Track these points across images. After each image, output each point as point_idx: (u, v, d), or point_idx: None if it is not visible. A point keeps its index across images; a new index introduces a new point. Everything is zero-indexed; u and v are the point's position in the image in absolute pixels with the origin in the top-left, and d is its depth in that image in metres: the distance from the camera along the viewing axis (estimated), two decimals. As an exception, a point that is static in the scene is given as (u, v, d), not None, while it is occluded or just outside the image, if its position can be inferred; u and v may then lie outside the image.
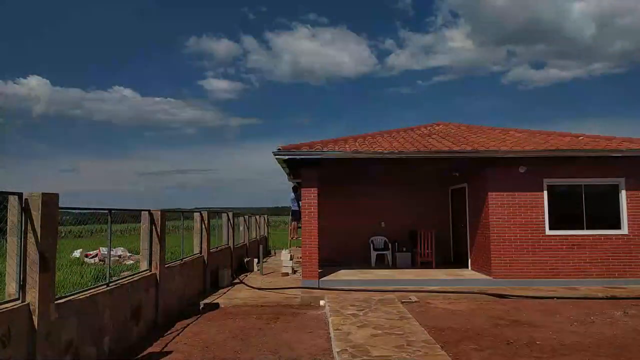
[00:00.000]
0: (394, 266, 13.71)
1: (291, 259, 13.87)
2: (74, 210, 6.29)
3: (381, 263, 14.11)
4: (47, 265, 4.48)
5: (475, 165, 11.65)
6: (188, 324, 7.83)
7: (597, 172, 11.14)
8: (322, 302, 9.23)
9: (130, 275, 7.23)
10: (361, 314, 7.83)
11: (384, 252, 14.28)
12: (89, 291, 5.66)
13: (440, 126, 14.46)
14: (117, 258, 16.55)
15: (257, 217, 22.00)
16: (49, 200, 4.54)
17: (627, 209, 11.01)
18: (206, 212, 11.34)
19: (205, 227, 11.09)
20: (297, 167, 11.85)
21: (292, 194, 15.99)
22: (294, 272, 13.43)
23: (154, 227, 7.86)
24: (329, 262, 13.18)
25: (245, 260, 15.35)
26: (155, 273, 7.75)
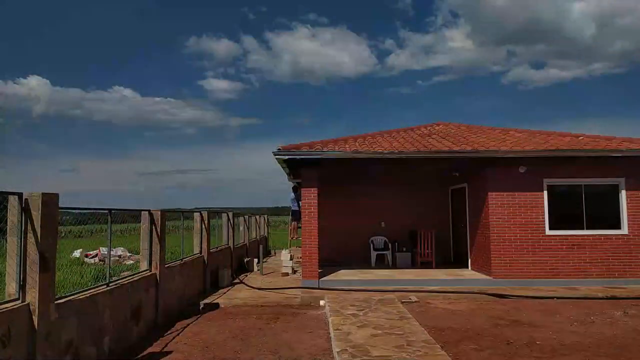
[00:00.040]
0: (394, 266, 13.70)
1: (291, 259, 13.87)
2: (74, 210, 6.29)
3: (381, 263, 14.11)
4: (47, 265, 4.48)
5: (475, 165, 11.65)
6: (188, 324, 7.83)
7: (597, 172, 11.14)
8: (322, 302, 9.23)
9: (130, 275, 7.23)
10: (361, 314, 7.83)
11: (384, 252, 14.28)
12: (89, 291, 5.66)
13: (440, 126, 14.46)
14: (117, 258, 16.55)
15: (257, 217, 21.99)
16: (49, 200, 4.54)
17: (627, 209, 11.00)
18: (206, 212, 11.34)
19: (205, 227, 11.09)
20: (297, 167, 11.85)
21: (292, 194, 15.99)
22: (294, 272, 13.43)
23: (154, 227, 7.86)
24: (329, 262, 13.18)
25: (245, 260, 15.35)
26: (155, 273, 7.75)
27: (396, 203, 14.91)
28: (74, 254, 16.67)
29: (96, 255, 16.78)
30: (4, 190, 4.33)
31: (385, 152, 10.61)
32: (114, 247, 16.32)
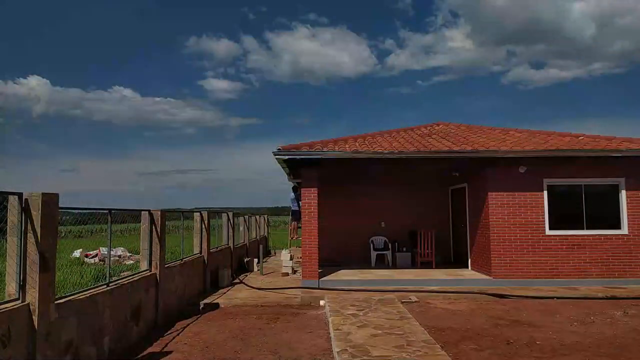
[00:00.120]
0: (394, 266, 13.70)
1: (291, 259, 13.86)
2: (74, 210, 6.29)
3: (381, 263, 14.11)
4: (47, 265, 4.48)
5: (475, 165, 11.65)
6: (188, 324, 7.83)
7: (597, 172, 11.13)
8: (322, 302, 9.23)
9: (130, 275, 7.23)
10: (361, 314, 7.83)
11: (384, 252, 14.27)
12: (89, 291, 5.66)
13: (440, 126, 14.46)
14: (117, 258, 16.53)
15: (257, 217, 21.99)
16: (49, 200, 4.54)
17: (627, 209, 11.00)
18: (206, 212, 11.34)
19: (205, 227, 11.09)
20: (297, 167, 11.85)
21: (292, 194, 15.99)
22: (294, 272, 13.43)
23: (154, 227, 7.86)
24: (329, 262, 13.18)
25: (245, 260, 15.35)
26: (155, 273, 7.75)
27: (396, 203, 14.91)
28: (74, 254, 16.65)
29: (96, 255, 16.77)
30: (4, 190, 4.33)
31: (385, 152, 10.61)
32: (114, 247, 16.31)
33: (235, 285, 11.53)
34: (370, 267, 13.41)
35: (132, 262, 15.52)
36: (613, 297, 9.42)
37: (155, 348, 6.43)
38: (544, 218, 10.95)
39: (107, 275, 6.36)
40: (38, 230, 4.37)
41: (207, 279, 10.96)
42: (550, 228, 10.94)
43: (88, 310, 5.40)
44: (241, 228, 17.14)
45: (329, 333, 6.86)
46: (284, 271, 13.47)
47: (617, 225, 11.04)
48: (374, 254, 14.18)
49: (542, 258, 10.82)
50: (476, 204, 11.95)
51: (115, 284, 6.32)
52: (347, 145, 11.15)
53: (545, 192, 11.03)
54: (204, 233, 11.05)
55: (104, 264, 13.35)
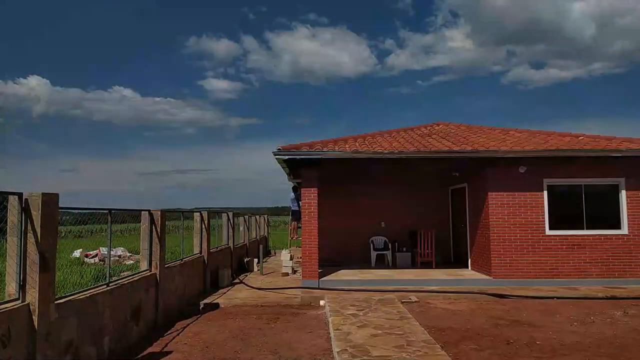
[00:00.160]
0: (394, 266, 13.70)
1: (291, 259, 13.86)
2: (74, 210, 6.29)
3: (381, 263, 14.11)
4: (47, 265, 4.48)
5: (475, 165, 11.65)
6: (188, 324, 7.83)
7: (597, 172, 11.13)
8: (322, 302, 9.23)
9: (130, 275, 7.23)
10: (361, 314, 7.83)
11: (384, 252, 14.27)
12: (89, 291, 5.66)
13: (440, 126, 14.46)
14: (117, 258, 16.53)
15: (257, 217, 21.99)
16: (49, 200, 4.54)
17: (627, 209, 11.00)
18: (206, 212, 11.34)
19: (205, 227, 11.09)
20: (297, 167, 11.85)
21: (292, 194, 15.99)
22: (294, 272, 13.43)
23: (154, 227, 7.86)
24: (329, 262, 13.18)
25: (245, 260, 15.35)
26: (155, 273, 7.75)
27: (396, 203, 14.91)
28: (74, 254, 16.65)
29: (96, 255, 16.77)
30: (4, 190, 4.33)
31: (385, 152, 10.61)
32: (114, 247, 16.31)
33: (235, 285, 11.53)
34: (370, 267, 13.41)
35: (132, 262, 15.52)
36: (613, 297, 9.42)
37: (155, 348, 6.43)
38: (544, 218, 10.95)
39: (107, 275, 6.36)
40: (38, 230, 4.37)
41: (207, 279, 10.96)
42: (550, 228, 10.94)
43: (88, 310, 5.40)
44: (241, 228, 17.14)
45: (329, 333, 6.86)
46: (284, 271, 13.47)
47: (617, 225, 11.04)
48: (374, 254, 14.18)
49: (542, 258, 10.82)
50: (476, 204, 11.95)
51: (115, 284, 6.32)
52: (347, 145, 11.15)
53: (545, 192, 11.03)
54: (204, 233, 11.05)
55: (104, 264, 13.35)
